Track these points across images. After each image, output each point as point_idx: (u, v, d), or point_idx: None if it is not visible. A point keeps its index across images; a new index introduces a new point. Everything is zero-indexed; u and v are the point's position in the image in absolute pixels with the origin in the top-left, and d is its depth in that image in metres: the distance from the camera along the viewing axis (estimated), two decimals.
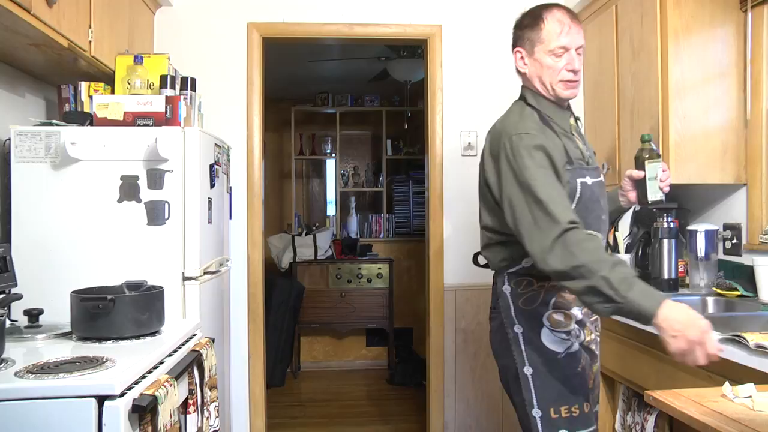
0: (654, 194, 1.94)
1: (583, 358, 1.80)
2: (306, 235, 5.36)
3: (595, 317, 1.88)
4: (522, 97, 1.91)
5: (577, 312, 1.82)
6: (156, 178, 2.24)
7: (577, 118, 1.95)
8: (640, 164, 1.96)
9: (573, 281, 1.59)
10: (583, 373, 1.80)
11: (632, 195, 2.01)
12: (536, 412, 1.77)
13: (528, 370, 1.79)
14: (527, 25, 1.84)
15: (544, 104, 1.86)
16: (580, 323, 1.82)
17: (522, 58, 1.87)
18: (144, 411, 1.43)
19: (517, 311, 1.83)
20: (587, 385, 1.80)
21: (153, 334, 1.90)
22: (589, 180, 1.82)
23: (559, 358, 1.77)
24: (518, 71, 1.91)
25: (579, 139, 1.89)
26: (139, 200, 2.23)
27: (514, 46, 1.90)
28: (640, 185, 1.96)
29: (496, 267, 1.91)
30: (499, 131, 1.81)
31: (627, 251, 2.84)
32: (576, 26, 1.80)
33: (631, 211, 2.86)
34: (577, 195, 1.78)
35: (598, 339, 1.90)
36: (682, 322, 1.46)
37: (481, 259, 2.00)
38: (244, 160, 3.24)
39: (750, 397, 1.31)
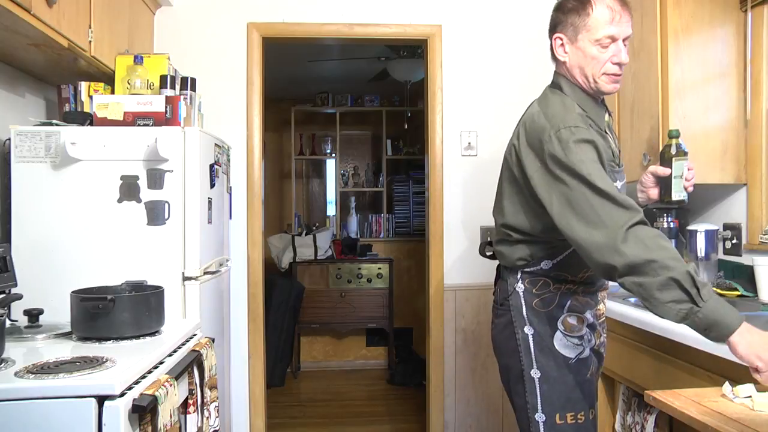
0: (678, 193, 1.87)
1: (592, 364, 1.77)
2: (306, 235, 5.36)
3: (602, 318, 1.85)
4: (556, 85, 1.77)
5: (589, 315, 1.77)
6: (156, 178, 2.24)
7: (610, 115, 1.84)
8: (666, 161, 1.90)
9: (645, 276, 1.45)
10: (592, 379, 1.76)
11: (653, 192, 1.92)
12: (540, 417, 1.72)
13: (535, 374, 1.74)
14: (572, 9, 1.68)
15: (580, 96, 1.74)
16: (591, 327, 1.78)
17: (562, 45, 1.72)
18: (144, 411, 1.43)
19: (530, 312, 1.76)
20: (595, 392, 1.76)
21: (153, 334, 1.90)
22: (618, 184, 1.72)
23: (570, 364, 1.73)
24: (555, 59, 1.77)
25: (612, 139, 1.79)
26: (139, 200, 2.23)
27: (552, 30, 1.75)
28: (664, 183, 1.87)
29: (510, 264, 1.83)
30: (540, 124, 1.66)
31: None
32: (627, 14, 1.66)
33: None
34: None
35: (606, 341, 1.89)
36: (761, 343, 1.38)
37: (489, 250, 1.94)
38: (244, 160, 3.24)
39: (750, 397, 1.31)
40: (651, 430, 2.02)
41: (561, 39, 1.72)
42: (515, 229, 1.78)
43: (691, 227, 2.59)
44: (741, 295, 2.37)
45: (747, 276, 2.40)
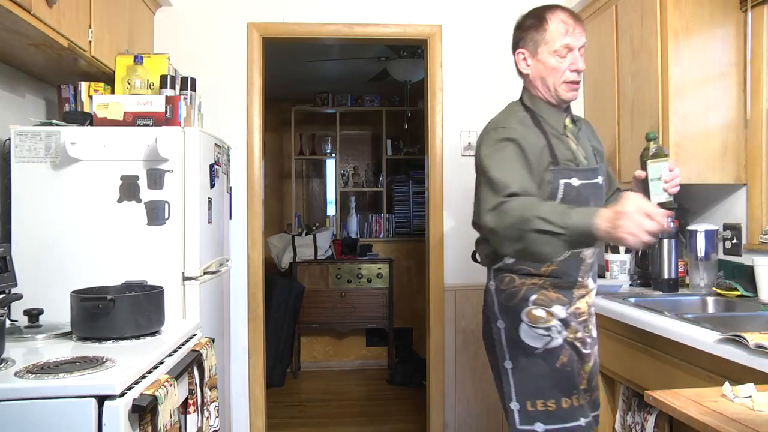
0: (657, 196, 1.86)
1: (565, 355, 1.82)
2: (306, 235, 5.36)
3: (583, 318, 1.88)
4: (520, 98, 1.94)
5: (559, 310, 1.83)
6: (156, 178, 2.24)
7: (575, 120, 1.95)
8: (642, 164, 1.93)
9: (520, 242, 1.65)
10: (564, 369, 1.81)
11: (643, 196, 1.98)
12: (514, 405, 1.82)
13: (508, 364, 1.85)
14: (530, 26, 1.85)
15: (539, 105, 1.89)
16: (564, 322, 1.83)
17: (525, 59, 1.88)
18: (144, 411, 1.44)
19: (499, 307, 1.88)
20: (569, 382, 1.81)
21: (153, 334, 1.90)
22: (575, 181, 1.83)
23: (537, 353, 1.81)
24: (520, 72, 1.92)
25: (573, 141, 1.89)
26: (139, 200, 2.23)
27: (515, 47, 1.91)
28: (644, 186, 1.91)
29: (483, 263, 1.95)
30: (484, 128, 1.89)
31: (627, 251, 2.84)
32: (579, 26, 1.82)
33: None
34: (559, 195, 1.80)
35: (589, 340, 1.90)
36: (617, 211, 1.55)
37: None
38: (244, 160, 3.24)
39: (750, 397, 1.30)
40: (651, 430, 2.02)
41: (523, 53, 1.88)
42: (479, 226, 1.88)
43: (691, 227, 2.59)
44: (741, 295, 2.37)
45: (747, 276, 2.40)
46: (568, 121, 1.92)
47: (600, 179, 1.91)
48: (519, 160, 1.76)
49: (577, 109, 3.33)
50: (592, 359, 1.90)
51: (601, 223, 1.57)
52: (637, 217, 1.53)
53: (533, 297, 1.83)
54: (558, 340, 1.82)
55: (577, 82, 1.84)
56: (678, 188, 1.90)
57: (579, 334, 1.86)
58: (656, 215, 1.54)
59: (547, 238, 1.61)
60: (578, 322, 1.87)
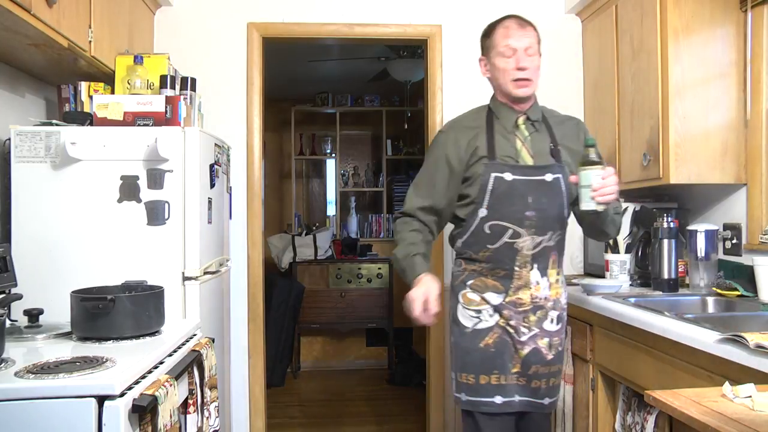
0: (586, 203, 1.86)
1: (491, 338, 2.00)
2: (306, 235, 5.36)
3: (524, 308, 2.01)
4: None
5: (492, 297, 2.02)
6: (156, 178, 2.24)
7: (535, 121, 2.07)
8: (577, 170, 1.93)
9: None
10: (487, 350, 2.00)
11: None
12: (452, 375, 2.08)
13: (450, 339, 2.12)
14: (484, 35, 2.13)
15: (497, 105, 2.11)
16: (496, 308, 2.02)
17: (485, 65, 2.12)
18: (144, 411, 1.43)
19: (451, 289, 2.13)
20: (491, 362, 2.00)
21: (153, 334, 1.90)
22: (508, 176, 1.98)
23: (466, 332, 2.03)
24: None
25: (521, 139, 2.04)
26: (139, 200, 2.23)
27: (480, 57, 2.15)
28: (579, 191, 1.94)
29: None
30: None
31: (627, 251, 2.84)
32: (521, 29, 2.03)
33: (631, 211, 2.86)
34: (489, 187, 1.98)
35: (528, 331, 2.01)
36: (411, 294, 1.97)
37: None
38: (244, 160, 3.24)
39: (750, 397, 1.30)
40: (651, 430, 2.02)
41: (483, 60, 2.14)
42: None
43: (691, 227, 2.59)
44: (741, 295, 2.37)
45: (747, 276, 2.40)
46: (521, 120, 2.06)
47: (548, 177, 2.00)
48: (438, 168, 2.08)
49: (577, 109, 3.34)
50: (528, 348, 2.00)
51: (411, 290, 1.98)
52: (408, 302, 1.97)
53: (470, 281, 2.05)
54: (487, 323, 2.02)
55: (527, 80, 1.99)
56: (611, 197, 1.87)
57: (512, 322, 2.00)
58: (411, 306, 1.95)
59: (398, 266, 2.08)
60: (517, 312, 2.01)
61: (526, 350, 2.01)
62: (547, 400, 2.05)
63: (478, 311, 2.02)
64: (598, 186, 1.85)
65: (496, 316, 2.01)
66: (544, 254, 2.04)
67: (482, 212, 1.98)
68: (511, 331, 2.01)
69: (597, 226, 2.11)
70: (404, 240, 2.06)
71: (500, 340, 2.01)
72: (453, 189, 2.07)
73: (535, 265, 2.02)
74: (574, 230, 3.34)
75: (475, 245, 2.03)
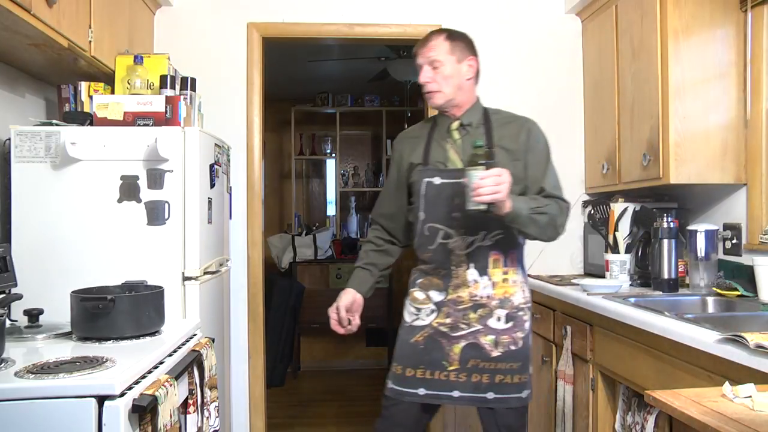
0: (467, 203, 1.90)
1: (422, 336, 2.12)
2: (306, 235, 5.36)
3: (464, 306, 2.09)
4: None
5: (435, 295, 2.13)
6: (156, 178, 2.24)
7: (467, 125, 2.14)
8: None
9: None
10: (416, 346, 2.12)
11: None
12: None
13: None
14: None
15: (438, 113, 2.24)
16: (438, 305, 2.12)
17: None
18: (144, 411, 1.43)
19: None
20: (418, 357, 2.12)
21: (153, 334, 1.90)
22: (437, 180, 2.09)
23: (405, 326, 2.17)
24: None
25: (452, 144, 2.14)
26: (139, 200, 2.23)
27: None
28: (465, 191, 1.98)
29: None
30: None
31: (627, 251, 2.84)
32: (424, 46, 2.13)
33: (631, 211, 2.86)
34: (422, 192, 2.10)
35: (467, 327, 2.08)
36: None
37: None
38: (244, 160, 3.24)
39: (750, 397, 1.30)
40: (651, 430, 2.02)
41: None
42: None
43: (691, 227, 2.59)
44: (741, 295, 2.37)
45: (747, 276, 2.40)
46: (454, 125, 2.16)
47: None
48: (392, 175, 2.27)
49: (577, 109, 3.35)
50: (465, 342, 2.08)
51: None
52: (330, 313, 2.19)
53: (419, 280, 2.18)
54: (422, 322, 2.14)
55: (431, 91, 2.13)
56: (487, 197, 1.86)
57: (448, 320, 2.10)
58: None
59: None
60: (457, 309, 2.10)
61: (461, 344, 2.09)
62: (491, 395, 2.09)
63: (419, 309, 2.15)
64: (475, 186, 1.87)
65: (433, 316, 2.13)
66: (481, 254, 2.09)
67: (421, 215, 2.11)
68: (445, 330, 2.11)
69: (514, 227, 2.08)
70: (360, 253, 2.32)
71: (430, 339, 2.12)
72: (401, 196, 2.22)
73: (472, 265, 2.09)
74: (573, 230, 3.35)
75: (421, 247, 2.15)
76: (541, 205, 2.04)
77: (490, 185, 1.85)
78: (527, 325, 2.13)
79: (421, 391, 2.12)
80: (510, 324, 2.10)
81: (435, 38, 2.14)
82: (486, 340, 2.08)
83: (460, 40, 2.15)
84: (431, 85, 2.13)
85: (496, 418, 2.13)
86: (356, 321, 2.21)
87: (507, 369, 2.09)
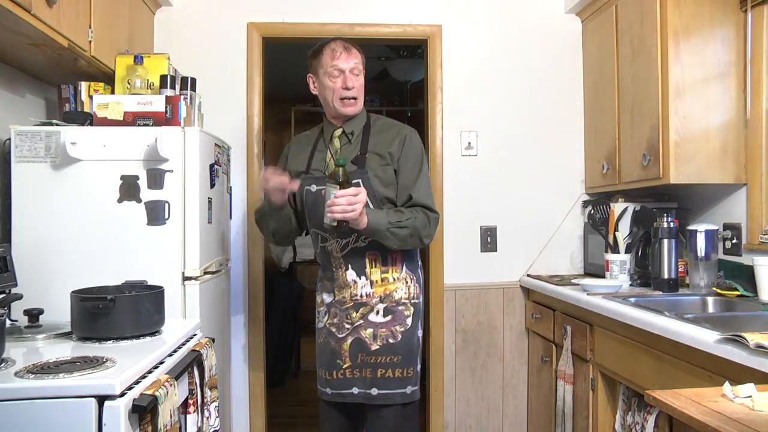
0: (324, 217, 2.01)
1: (321, 336, 2.25)
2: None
3: (347, 305, 2.18)
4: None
5: (326, 297, 2.26)
6: (156, 178, 2.24)
7: (350, 133, 2.22)
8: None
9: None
10: (321, 347, 2.24)
11: None
12: None
13: None
14: (312, 55, 2.27)
15: (325, 120, 2.31)
16: (328, 307, 2.24)
17: (313, 82, 2.31)
18: (144, 411, 1.43)
19: None
20: (326, 358, 2.21)
21: (153, 334, 1.90)
22: (314, 188, 2.21)
23: (314, 328, 2.32)
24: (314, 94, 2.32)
25: (331, 151, 2.23)
26: (139, 200, 2.23)
27: (308, 73, 2.30)
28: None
29: None
30: None
31: (627, 251, 2.84)
32: (347, 52, 2.18)
33: (631, 211, 2.87)
34: (304, 199, 2.24)
35: (349, 326, 2.16)
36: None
37: None
38: (244, 160, 3.24)
39: (750, 397, 1.30)
40: (651, 430, 2.02)
41: (311, 78, 2.31)
42: None
43: (691, 227, 2.59)
44: (741, 295, 2.37)
45: (747, 276, 2.40)
46: (337, 133, 2.24)
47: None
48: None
49: (577, 109, 3.35)
50: (351, 338, 2.16)
51: None
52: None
53: (319, 284, 2.31)
54: (320, 323, 2.27)
55: (353, 98, 2.18)
56: (339, 215, 1.95)
57: (335, 320, 2.20)
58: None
59: None
60: (341, 309, 2.19)
61: (349, 341, 2.17)
62: (375, 391, 2.13)
63: (318, 312, 2.29)
64: (329, 203, 1.96)
65: (326, 318, 2.24)
66: (357, 255, 2.17)
67: (308, 222, 2.25)
68: (333, 330, 2.20)
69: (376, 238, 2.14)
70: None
71: (325, 340, 2.23)
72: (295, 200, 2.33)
73: (349, 266, 2.18)
74: (573, 230, 3.36)
75: (314, 252, 2.30)
76: (402, 219, 2.09)
77: (343, 204, 1.94)
78: (410, 320, 2.17)
79: (328, 390, 2.21)
80: (388, 317, 2.15)
81: (353, 47, 2.22)
82: (366, 334, 2.15)
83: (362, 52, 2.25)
84: (354, 92, 2.20)
85: (385, 420, 2.15)
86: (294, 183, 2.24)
87: (387, 363, 2.14)
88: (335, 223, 1.98)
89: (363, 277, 2.18)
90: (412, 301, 2.20)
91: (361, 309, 2.18)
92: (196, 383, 1.84)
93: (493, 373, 3.34)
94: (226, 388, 2.99)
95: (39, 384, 1.40)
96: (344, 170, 2.00)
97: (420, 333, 2.23)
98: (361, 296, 2.18)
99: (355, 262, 2.18)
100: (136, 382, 1.50)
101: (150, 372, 1.60)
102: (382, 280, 2.17)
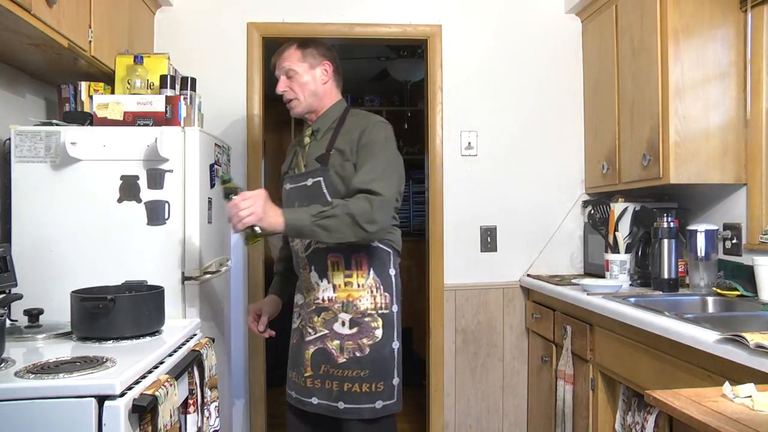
0: (230, 230, 2.01)
1: (294, 338, 2.23)
2: None
3: (311, 309, 2.13)
4: None
5: (298, 298, 2.25)
6: (156, 178, 2.24)
7: (316, 131, 2.20)
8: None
9: None
10: (292, 348, 2.22)
11: None
12: None
13: None
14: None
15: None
16: (299, 308, 2.23)
17: None
18: (144, 411, 1.43)
19: None
20: (293, 359, 2.19)
21: (153, 334, 1.90)
22: (287, 186, 2.23)
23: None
24: None
25: (302, 150, 2.22)
26: (139, 200, 2.23)
27: None
28: None
29: None
30: None
31: (627, 251, 2.84)
32: (278, 58, 2.22)
33: (631, 211, 2.87)
34: (282, 198, 2.26)
35: (313, 332, 2.11)
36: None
37: None
38: (244, 160, 3.24)
39: (750, 397, 1.31)
40: (651, 430, 2.02)
41: None
42: None
43: (691, 227, 2.59)
44: (741, 295, 2.37)
45: (747, 276, 2.40)
46: (308, 132, 2.23)
47: (309, 181, 2.14)
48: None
49: (577, 109, 3.35)
50: (314, 347, 2.10)
51: None
52: None
53: (297, 284, 2.28)
54: (294, 325, 2.24)
55: (289, 99, 2.20)
56: (239, 224, 1.91)
57: (302, 322, 2.17)
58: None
59: None
60: (307, 312, 2.15)
61: (311, 349, 2.10)
62: (342, 405, 2.03)
63: (294, 312, 2.27)
64: (228, 218, 1.95)
65: (299, 320, 2.21)
66: (319, 256, 2.12)
67: None
68: (302, 332, 2.17)
69: (304, 239, 2.14)
70: (276, 260, 2.46)
71: (296, 342, 2.20)
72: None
73: (312, 267, 2.13)
74: (573, 230, 3.36)
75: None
76: (327, 209, 1.95)
77: (235, 214, 1.90)
78: (379, 332, 2.07)
79: (293, 394, 2.17)
80: (354, 330, 2.06)
81: (287, 49, 2.21)
82: (332, 346, 2.07)
83: (311, 47, 2.20)
84: (288, 94, 2.20)
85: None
86: (272, 332, 2.35)
87: (354, 377, 2.04)
88: (247, 231, 1.93)
89: (325, 280, 2.11)
90: (380, 312, 2.09)
91: (323, 314, 2.10)
92: (196, 383, 1.84)
93: (493, 373, 3.35)
94: (226, 388, 2.98)
95: (39, 384, 1.40)
96: (227, 186, 1.95)
97: (396, 345, 2.11)
98: (323, 300, 2.10)
99: (318, 263, 2.11)
100: (136, 382, 1.50)
101: (150, 372, 1.60)
102: (346, 284, 2.08)
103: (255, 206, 1.89)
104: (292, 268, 2.30)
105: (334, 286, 2.09)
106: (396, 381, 2.10)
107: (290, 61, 2.19)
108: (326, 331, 2.08)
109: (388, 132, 2.12)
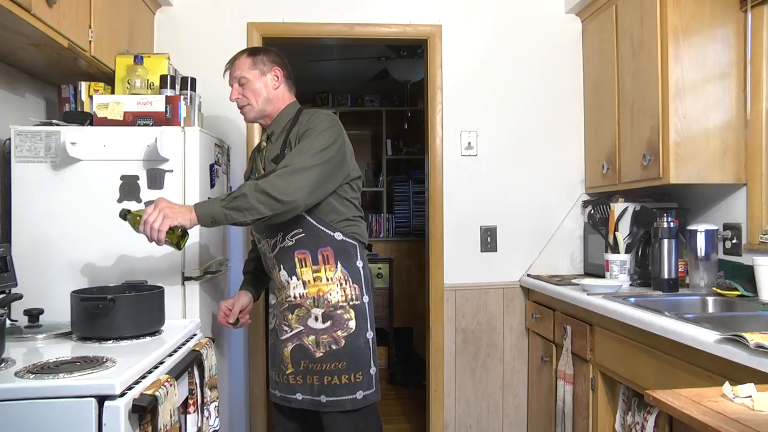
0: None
1: (271, 338, 2.25)
2: None
3: (283, 307, 2.17)
4: None
5: (271, 298, 2.28)
6: (156, 178, 2.24)
7: (271, 135, 2.23)
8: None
9: None
10: (270, 348, 2.24)
11: None
12: None
13: None
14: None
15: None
16: (272, 308, 2.26)
17: None
18: (144, 411, 1.43)
19: None
20: (273, 358, 2.21)
21: (153, 334, 1.90)
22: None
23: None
24: None
25: (260, 156, 2.25)
26: (139, 200, 2.23)
27: None
28: None
29: None
30: None
31: (627, 251, 2.84)
32: (231, 66, 2.23)
33: (631, 211, 2.87)
34: None
35: (288, 330, 2.14)
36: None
37: None
38: (244, 160, 3.24)
39: (750, 397, 1.30)
40: (651, 430, 2.02)
41: None
42: None
43: (691, 227, 2.59)
44: (741, 295, 2.37)
45: (747, 276, 2.40)
46: (264, 137, 2.27)
47: None
48: None
49: (577, 109, 3.35)
50: (292, 344, 2.12)
51: None
52: None
53: (271, 284, 2.29)
54: (271, 325, 2.25)
55: (242, 106, 2.22)
56: (154, 238, 1.90)
57: (277, 321, 2.20)
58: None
59: None
60: (280, 311, 2.18)
61: (289, 347, 2.13)
62: (324, 398, 2.09)
63: (269, 313, 2.29)
64: (147, 239, 1.92)
65: (273, 320, 2.24)
66: (286, 255, 2.14)
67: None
68: (278, 330, 2.19)
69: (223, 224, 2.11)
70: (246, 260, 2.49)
71: (273, 341, 2.22)
72: None
73: (281, 266, 2.15)
74: (574, 230, 3.36)
75: None
76: (235, 191, 1.97)
77: (148, 229, 1.89)
78: (352, 323, 2.10)
79: (277, 392, 2.19)
80: (328, 323, 2.10)
81: (238, 57, 2.23)
82: (308, 341, 2.11)
83: (261, 54, 2.22)
84: (240, 101, 2.22)
85: (338, 426, 2.10)
86: (248, 320, 2.37)
87: (333, 370, 2.09)
88: (167, 243, 1.91)
89: (295, 278, 2.13)
90: (351, 303, 2.11)
91: (296, 311, 2.13)
92: (196, 383, 1.84)
93: (493, 373, 3.35)
94: (226, 388, 2.98)
95: (39, 384, 1.40)
96: (127, 216, 1.95)
97: (370, 335, 2.14)
98: (295, 297, 2.13)
99: (286, 262, 2.14)
100: (136, 382, 1.50)
101: (150, 372, 1.60)
102: (315, 279, 2.11)
103: (160, 212, 1.89)
104: (262, 267, 2.33)
105: (304, 283, 2.12)
106: (373, 370, 2.15)
107: (241, 70, 2.20)
108: (301, 328, 2.12)
109: (330, 123, 2.19)
